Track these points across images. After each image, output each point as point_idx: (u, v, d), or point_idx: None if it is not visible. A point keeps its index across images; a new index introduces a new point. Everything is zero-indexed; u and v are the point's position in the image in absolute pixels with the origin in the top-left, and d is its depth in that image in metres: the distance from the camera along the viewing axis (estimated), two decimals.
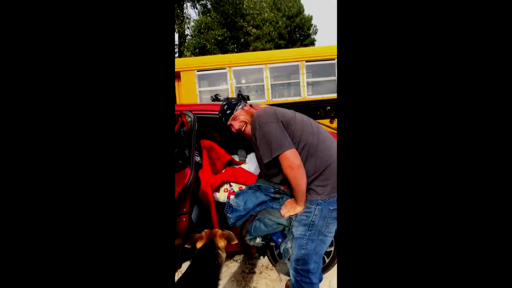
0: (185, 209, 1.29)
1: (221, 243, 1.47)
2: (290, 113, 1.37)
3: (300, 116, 1.39)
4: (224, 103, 1.57)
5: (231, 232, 1.54)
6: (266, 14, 13.52)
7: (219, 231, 1.53)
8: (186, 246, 1.43)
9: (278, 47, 16.25)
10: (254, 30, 12.17)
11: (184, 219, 1.30)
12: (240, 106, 1.54)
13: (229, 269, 2.25)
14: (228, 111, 1.53)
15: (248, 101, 5.28)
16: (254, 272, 2.19)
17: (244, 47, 13.35)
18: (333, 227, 1.29)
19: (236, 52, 11.26)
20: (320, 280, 1.53)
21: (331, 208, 1.26)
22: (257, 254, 2.26)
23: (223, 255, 1.45)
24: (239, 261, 2.35)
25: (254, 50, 13.18)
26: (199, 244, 1.43)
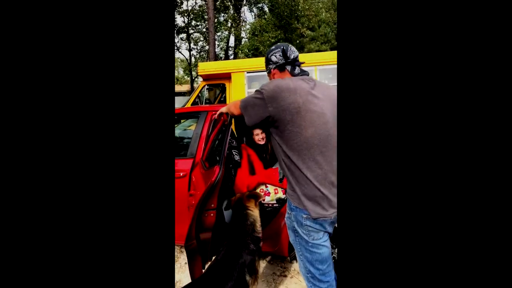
0: (212, 205, 1.35)
1: (249, 203, 1.65)
2: (299, 110, 1.10)
3: (313, 117, 1.12)
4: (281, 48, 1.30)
5: (257, 191, 1.74)
6: (322, 15, 13.24)
7: (246, 193, 1.72)
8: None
9: (335, 48, 15.76)
10: (308, 32, 12.00)
11: (212, 214, 1.36)
12: (267, 71, 1.34)
13: (260, 269, 2.27)
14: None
15: None
16: (285, 276, 2.18)
17: (298, 49, 13.27)
18: (318, 235, 1.18)
19: None
20: None
21: (304, 215, 1.15)
22: (289, 258, 2.24)
23: (254, 212, 1.63)
24: (272, 262, 2.36)
25: (308, 52, 13.01)
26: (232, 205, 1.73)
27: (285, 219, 1.31)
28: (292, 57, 1.29)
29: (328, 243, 1.23)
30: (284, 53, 1.29)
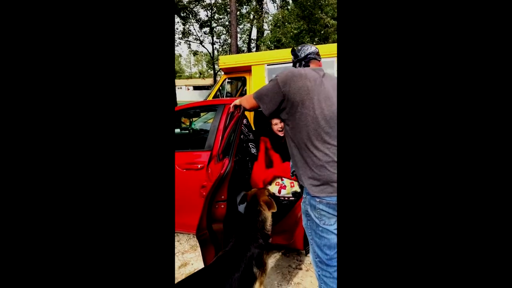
0: (223, 197, 1.37)
1: (262, 203, 1.66)
2: (308, 92, 1.20)
3: (321, 104, 1.20)
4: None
5: (273, 201, 1.70)
6: None
7: (263, 197, 1.70)
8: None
9: None
10: (332, 22, 11.62)
11: (222, 206, 1.38)
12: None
13: (277, 261, 2.29)
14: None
15: None
16: (300, 269, 2.18)
17: (323, 40, 12.90)
18: (329, 220, 1.20)
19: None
20: None
21: (317, 199, 1.19)
22: (304, 251, 2.24)
23: (266, 213, 1.64)
24: (288, 255, 2.36)
25: (333, 42, 12.61)
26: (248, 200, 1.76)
27: (301, 203, 1.35)
28: (302, 55, 1.42)
29: None
30: (294, 52, 1.46)
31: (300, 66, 1.43)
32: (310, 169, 1.20)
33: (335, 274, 1.26)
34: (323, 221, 1.22)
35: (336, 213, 1.20)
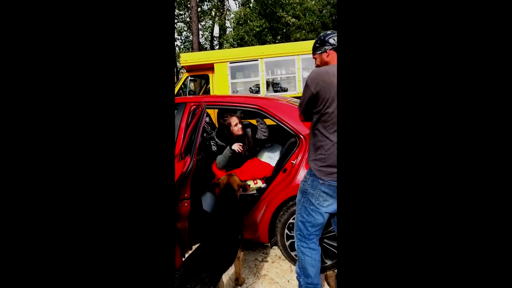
0: (186, 195, 1.38)
1: (237, 187, 1.96)
2: (334, 89, 1.30)
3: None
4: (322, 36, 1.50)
5: (246, 183, 2.03)
6: (307, 3, 13.13)
7: (237, 180, 1.98)
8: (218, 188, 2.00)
9: None
10: (293, 20, 11.91)
11: (186, 204, 1.39)
12: (321, 51, 1.48)
13: (243, 255, 2.33)
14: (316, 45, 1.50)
15: (279, 93, 5.17)
16: (266, 261, 2.24)
17: (285, 38, 13.14)
18: (325, 202, 1.34)
19: (273, 43, 11.18)
20: None
21: (321, 182, 1.32)
22: (270, 244, 2.31)
23: (238, 193, 1.97)
24: (254, 249, 2.42)
25: (295, 41, 12.91)
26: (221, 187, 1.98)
27: (300, 182, 1.49)
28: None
29: (326, 216, 1.41)
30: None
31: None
32: (317, 152, 1.33)
33: (312, 245, 1.45)
34: (318, 201, 1.35)
35: (334, 196, 1.33)
